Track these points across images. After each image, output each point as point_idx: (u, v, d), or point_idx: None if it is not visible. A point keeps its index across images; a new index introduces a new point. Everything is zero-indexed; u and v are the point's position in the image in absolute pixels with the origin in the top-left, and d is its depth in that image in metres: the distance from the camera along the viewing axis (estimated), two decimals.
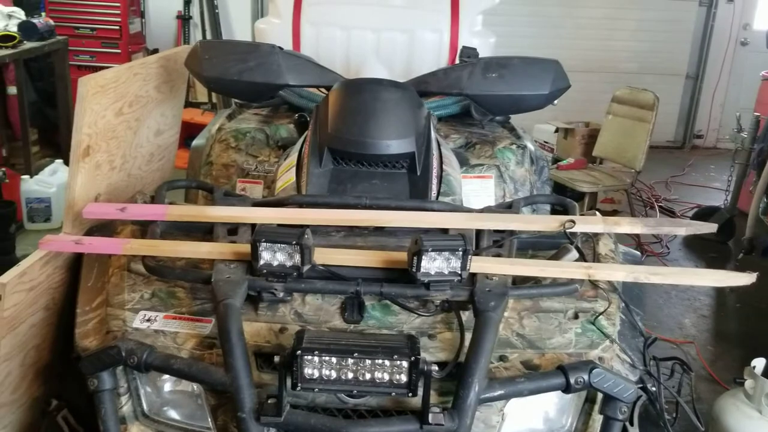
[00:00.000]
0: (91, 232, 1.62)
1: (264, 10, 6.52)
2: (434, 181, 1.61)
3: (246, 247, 1.30)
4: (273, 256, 1.22)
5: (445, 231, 1.45)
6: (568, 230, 1.43)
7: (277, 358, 1.10)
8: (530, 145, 2.35)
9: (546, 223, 1.46)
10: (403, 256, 1.29)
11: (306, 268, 1.22)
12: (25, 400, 1.51)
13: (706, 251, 4.43)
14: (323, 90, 1.84)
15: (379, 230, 1.47)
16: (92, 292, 1.43)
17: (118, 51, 5.43)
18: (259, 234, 1.20)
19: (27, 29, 4.28)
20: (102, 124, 1.59)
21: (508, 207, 1.62)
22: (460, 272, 1.21)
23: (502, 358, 1.24)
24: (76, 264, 1.54)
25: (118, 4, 5.31)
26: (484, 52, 2.77)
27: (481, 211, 1.55)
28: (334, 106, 1.63)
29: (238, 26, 6.39)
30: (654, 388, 1.32)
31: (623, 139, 4.23)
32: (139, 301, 1.34)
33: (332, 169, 1.61)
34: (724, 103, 6.85)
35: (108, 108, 1.59)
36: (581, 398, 1.28)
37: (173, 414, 1.29)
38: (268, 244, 1.21)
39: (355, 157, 1.60)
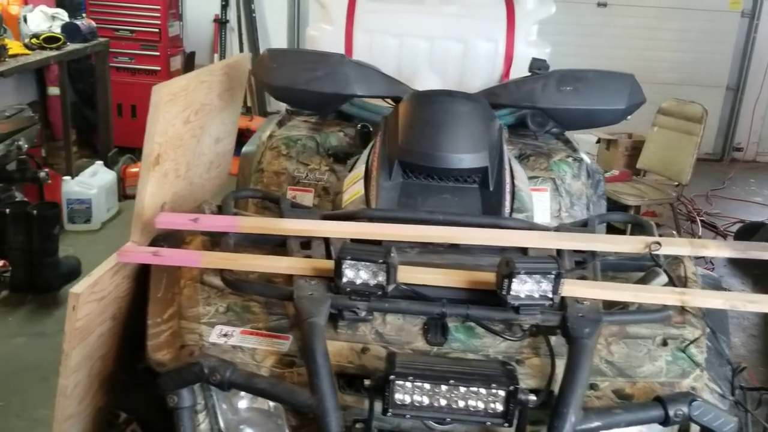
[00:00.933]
0: (157, 240, 1.60)
1: (300, 15, 6.53)
2: (507, 197, 1.57)
3: (326, 263, 1.27)
4: (356, 273, 1.19)
5: (523, 250, 1.41)
6: (653, 252, 1.38)
7: (367, 382, 1.06)
8: (586, 158, 2.30)
9: (630, 244, 1.41)
10: (487, 276, 1.25)
11: (391, 287, 1.18)
12: (90, 411, 1.49)
13: (750, 268, 4.33)
14: (388, 101, 1.80)
15: (454, 247, 1.43)
16: (162, 303, 1.41)
17: (157, 54, 5.45)
18: (344, 251, 1.17)
19: (70, 31, 4.31)
20: (171, 132, 1.57)
21: (583, 225, 1.58)
22: (551, 296, 1.17)
23: (592, 387, 1.19)
24: (142, 273, 1.52)
25: (158, 7, 5.33)
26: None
27: (559, 229, 1.51)
28: (405, 117, 1.60)
29: (274, 31, 6.41)
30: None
31: (669, 151, 4.15)
32: (215, 314, 1.31)
33: (402, 183, 1.58)
34: (765, 116, 6.73)
35: (177, 116, 1.57)
36: (673, 430, 1.23)
37: (250, 431, 1.26)
38: (353, 261, 1.17)
39: (426, 170, 1.56)
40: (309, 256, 1.36)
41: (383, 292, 1.18)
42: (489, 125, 1.61)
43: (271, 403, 1.23)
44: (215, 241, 1.48)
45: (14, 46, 3.69)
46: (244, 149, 2.64)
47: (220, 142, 2.03)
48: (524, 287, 1.17)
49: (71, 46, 4.20)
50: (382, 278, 1.18)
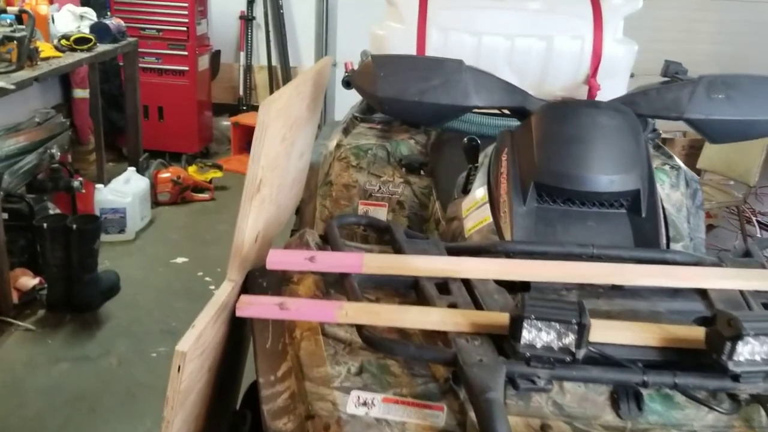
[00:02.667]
0: (253, 277, 1.39)
1: (329, 10, 6.29)
2: (662, 224, 1.35)
3: (490, 317, 1.05)
4: (537, 335, 0.97)
5: (701, 292, 1.19)
6: None
7: None
8: (683, 166, 2.08)
9: None
10: (687, 332, 1.04)
11: (582, 353, 0.96)
12: None
13: None
14: (504, 112, 1.59)
15: (617, 289, 1.21)
16: (273, 357, 1.20)
17: (185, 53, 5.24)
18: (529, 308, 0.95)
19: (100, 31, 4.09)
20: (273, 153, 1.35)
21: (745, 255, 1.36)
22: None
23: None
24: (236, 318, 1.32)
25: (185, 5, 5.11)
26: (629, 62, 2.51)
27: (723, 262, 1.29)
28: (541, 133, 1.38)
29: (302, 26, 6.19)
30: None
31: (733, 151, 3.92)
32: (347, 376, 1.10)
33: (536, 208, 1.36)
34: None
35: (278, 134, 1.36)
36: None
37: None
38: (537, 321, 0.95)
39: (568, 194, 1.34)
40: (453, 304, 1.14)
41: (573, 358, 0.96)
42: (638, 140, 1.38)
43: None
44: (329, 280, 1.27)
45: (45, 49, 3.48)
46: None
47: (302, 157, 1.81)
48: (745, 349, 0.95)
49: (102, 47, 3.98)
50: (570, 341, 0.96)
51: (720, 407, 1.01)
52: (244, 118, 5.71)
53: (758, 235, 4.56)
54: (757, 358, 0.95)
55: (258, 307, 1.06)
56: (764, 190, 5.56)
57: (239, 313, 1.07)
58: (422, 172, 2.29)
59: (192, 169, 4.84)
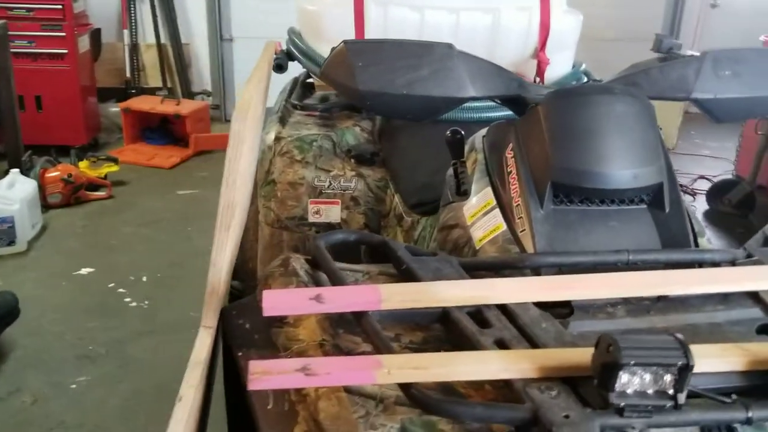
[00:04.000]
0: (231, 318, 1.16)
1: None
2: (687, 218, 1.24)
3: (563, 358, 0.89)
4: (630, 380, 0.81)
5: (753, 295, 1.08)
6: None
7: None
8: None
9: None
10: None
11: (683, 396, 0.81)
12: None
13: (731, 227, 4.28)
14: (497, 100, 1.41)
15: (663, 300, 1.08)
16: (281, 421, 0.98)
17: (62, 34, 4.70)
18: (626, 353, 0.78)
19: None
20: (245, 168, 1.11)
21: (765, 243, 1.27)
22: None
23: None
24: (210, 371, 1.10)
25: None
26: (576, 33, 2.40)
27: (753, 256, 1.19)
28: (555, 126, 1.21)
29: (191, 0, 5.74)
30: None
31: None
32: None
33: (554, 211, 1.20)
34: None
35: (253, 146, 1.12)
36: None
37: None
38: (636, 367, 0.79)
39: (588, 193, 1.20)
40: (501, 341, 0.96)
41: (675, 405, 0.81)
42: (655, 128, 1.25)
43: None
44: (337, 318, 1.06)
45: None
46: None
47: (253, 163, 1.56)
48: None
49: None
50: (668, 382, 0.81)
51: None
52: (135, 103, 5.24)
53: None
54: None
55: (279, 377, 0.84)
56: (679, 150, 5.76)
57: (253, 386, 0.84)
58: (374, 164, 2.09)
59: (84, 164, 4.36)
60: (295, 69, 2.43)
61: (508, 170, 1.26)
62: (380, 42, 1.28)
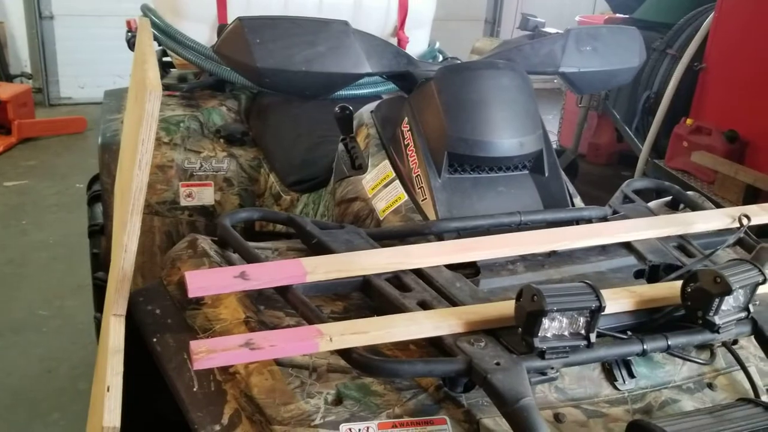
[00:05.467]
0: (139, 305, 1.12)
1: None
2: (564, 181, 1.37)
3: (487, 312, 0.96)
4: (550, 325, 0.90)
5: (627, 245, 1.23)
6: (746, 227, 1.29)
7: None
8: None
9: (719, 220, 1.30)
10: (654, 291, 1.05)
11: (594, 335, 0.92)
12: None
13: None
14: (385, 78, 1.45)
15: (553, 255, 1.20)
16: (209, 402, 0.97)
17: None
18: (548, 300, 0.87)
19: None
20: (151, 149, 1.07)
21: (625, 200, 1.44)
22: (746, 306, 1.01)
23: None
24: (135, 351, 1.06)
25: None
26: (431, 11, 2.51)
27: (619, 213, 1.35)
28: (448, 100, 1.28)
29: None
30: None
31: None
32: (327, 409, 0.93)
33: (449, 179, 1.28)
34: None
35: (156, 126, 1.07)
36: None
37: None
38: (557, 313, 0.88)
39: (480, 161, 1.28)
40: (423, 302, 1.02)
41: (588, 343, 0.92)
42: (534, 100, 1.36)
43: None
44: (256, 294, 1.06)
45: None
46: (104, 140, 2.04)
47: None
48: (726, 303, 0.99)
49: None
50: (581, 325, 0.91)
51: (695, 357, 1.06)
52: None
53: None
54: (731, 307, 1.00)
55: (224, 354, 0.83)
56: None
57: (199, 366, 0.82)
58: (246, 143, 2.06)
59: None
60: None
61: (405, 143, 1.31)
62: (276, 18, 1.27)
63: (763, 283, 0.99)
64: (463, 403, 0.94)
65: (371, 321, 0.94)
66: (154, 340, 1.06)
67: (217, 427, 0.95)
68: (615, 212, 1.35)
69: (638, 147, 3.55)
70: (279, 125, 2.02)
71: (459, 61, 1.55)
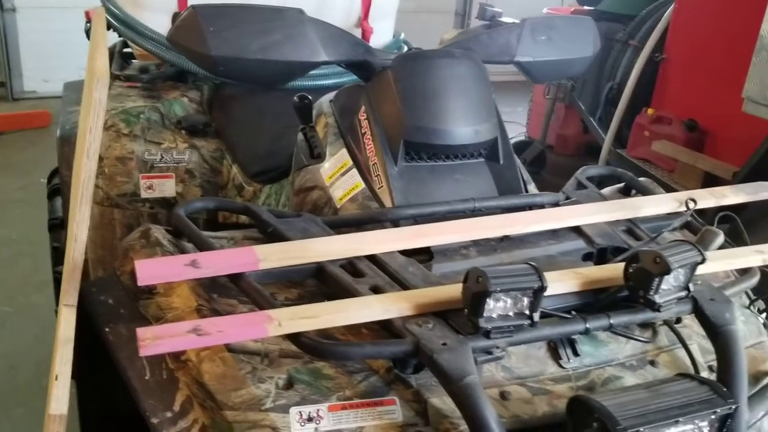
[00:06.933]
0: (91, 296, 1.12)
1: None
2: (518, 168, 1.40)
3: (435, 295, 0.98)
4: (495, 306, 0.93)
5: (576, 230, 1.26)
6: (692, 210, 1.33)
7: None
8: None
9: (666, 204, 1.34)
10: (600, 272, 1.08)
11: (537, 315, 0.95)
12: None
13: None
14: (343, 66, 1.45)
15: (506, 239, 1.22)
16: (161, 389, 0.99)
17: None
18: (492, 282, 0.89)
19: None
20: (99, 137, 1.07)
21: (578, 186, 1.47)
22: (686, 286, 1.05)
23: (711, 369, 1.12)
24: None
25: None
26: (394, 3, 2.52)
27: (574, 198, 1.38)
28: (405, 89, 1.30)
29: None
30: None
31: None
32: (278, 393, 0.94)
33: (406, 167, 1.30)
34: None
35: (104, 114, 1.08)
36: None
37: None
38: (501, 294, 0.91)
39: (436, 149, 1.30)
40: (376, 287, 1.04)
41: (531, 322, 0.94)
42: (489, 88, 1.38)
43: None
44: (209, 282, 1.07)
45: None
46: (63, 132, 2.02)
47: None
48: (666, 282, 1.02)
49: None
50: (525, 305, 0.94)
51: (638, 335, 1.10)
52: None
53: None
54: (671, 286, 1.03)
55: (171, 340, 0.84)
56: None
57: (145, 352, 0.83)
58: (208, 134, 2.05)
59: None
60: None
61: (362, 132, 1.33)
62: (231, 6, 1.28)
63: (702, 262, 1.02)
64: (412, 384, 0.97)
65: (321, 306, 0.95)
66: (107, 329, 1.06)
67: (169, 414, 0.96)
68: (568, 198, 1.38)
69: (602, 137, 3.60)
70: (242, 116, 2.02)
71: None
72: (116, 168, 1.97)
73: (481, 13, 1.71)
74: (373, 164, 1.29)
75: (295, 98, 1.47)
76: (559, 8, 4.96)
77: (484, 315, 0.92)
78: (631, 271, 1.02)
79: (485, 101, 1.35)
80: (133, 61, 2.44)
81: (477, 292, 0.91)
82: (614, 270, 1.08)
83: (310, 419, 0.92)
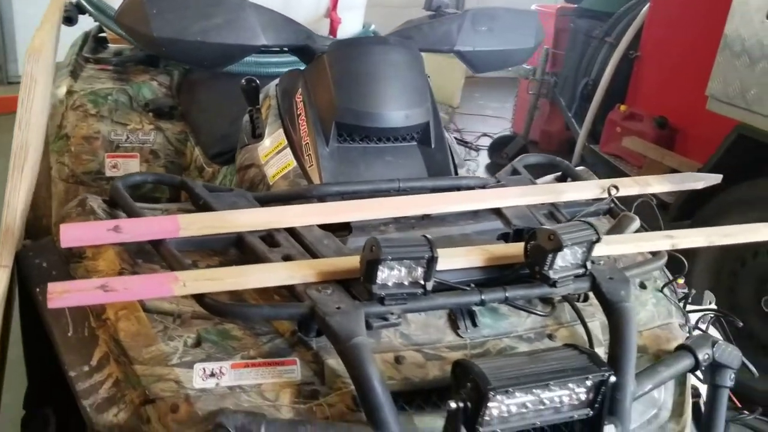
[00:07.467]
0: (27, 258, 1.18)
1: None
2: (449, 152, 1.45)
3: (337, 264, 1.04)
4: (389, 273, 0.99)
5: (497, 211, 1.32)
6: (614, 196, 1.38)
7: (453, 404, 0.90)
8: None
9: (589, 190, 1.40)
10: (505, 249, 1.14)
11: (431, 284, 1.01)
12: None
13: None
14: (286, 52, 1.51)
15: (427, 218, 1.28)
16: (81, 346, 1.05)
17: None
18: (385, 251, 0.95)
19: None
20: (38, 111, 1.14)
21: (513, 173, 1.53)
22: (585, 263, 1.10)
23: None
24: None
25: None
26: None
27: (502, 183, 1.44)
28: (338, 72, 1.36)
29: None
30: None
31: (438, 76, 4.28)
32: (185, 350, 1.01)
33: (338, 148, 1.36)
34: None
35: (46, 89, 1.14)
36: None
37: None
38: (393, 262, 0.97)
39: (368, 131, 1.36)
40: (288, 256, 1.10)
41: (424, 291, 1.00)
42: (423, 75, 1.44)
43: None
44: (131, 249, 1.13)
45: None
46: None
47: (45, 110, 1.55)
48: (562, 258, 1.08)
49: None
50: (419, 274, 1.00)
51: (538, 311, 1.15)
52: None
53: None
54: (568, 263, 1.09)
55: (78, 294, 0.90)
56: (464, 111, 6.23)
57: (53, 304, 0.90)
58: (173, 117, 2.12)
59: None
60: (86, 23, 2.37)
61: (298, 113, 1.39)
62: None
63: (597, 242, 1.08)
64: (312, 346, 1.03)
65: (227, 269, 1.02)
66: (37, 290, 1.12)
67: (86, 368, 1.03)
68: (500, 183, 1.44)
69: (578, 133, 3.65)
70: (205, 100, 2.08)
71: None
72: (82, 147, 2.03)
73: (428, 3, 1.77)
74: (306, 144, 1.35)
75: (243, 81, 1.53)
76: (548, 6, 5.00)
77: (378, 282, 0.98)
78: (529, 248, 1.08)
79: (417, 87, 1.40)
80: (110, 45, 2.51)
81: (370, 260, 0.97)
82: (519, 248, 1.13)
83: (212, 375, 0.99)
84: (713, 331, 1.48)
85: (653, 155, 3.04)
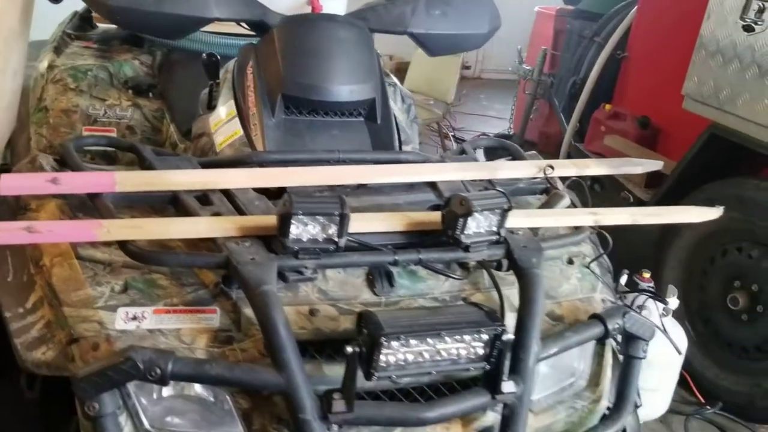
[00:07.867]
0: None
1: None
2: (395, 129, 1.51)
3: (258, 221, 1.10)
4: (303, 229, 1.05)
5: (432, 185, 1.37)
6: (548, 176, 1.43)
7: (349, 349, 0.96)
8: (399, 83, 2.31)
9: (526, 169, 1.45)
10: (425, 216, 1.20)
11: (343, 241, 1.06)
12: None
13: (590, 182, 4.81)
14: (243, 26, 1.58)
15: (362, 188, 1.34)
16: (18, 289, 1.12)
17: None
18: (296, 205, 1.01)
19: None
20: None
21: (461, 153, 1.58)
22: (498, 230, 1.16)
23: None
24: None
25: None
26: None
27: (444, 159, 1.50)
28: (286, 46, 1.42)
29: None
30: None
31: (434, 72, 4.35)
32: (111, 296, 1.07)
33: (284, 120, 1.42)
34: None
35: None
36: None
37: (180, 421, 1.07)
38: (304, 217, 1.03)
39: (314, 105, 1.42)
40: (217, 214, 1.16)
41: (336, 247, 1.06)
42: (372, 53, 1.50)
43: (208, 388, 1.06)
44: (73, 203, 1.20)
45: None
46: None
47: (16, 77, 1.62)
48: (473, 224, 1.13)
49: None
50: (333, 232, 1.06)
51: (454, 275, 1.21)
52: None
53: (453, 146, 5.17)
54: (482, 230, 1.14)
55: (3, 234, 0.97)
56: (458, 108, 6.29)
57: None
58: (151, 95, 2.19)
59: None
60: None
61: (247, 85, 1.45)
62: None
63: (509, 210, 1.14)
64: (232, 296, 1.09)
65: (152, 220, 1.08)
66: None
67: (21, 310, 1.09)
68: (441, 160, 1.49)
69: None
70: (182, 79, 2.15)
71: None
72: (60, 119, 2.11)
73: None
74: (252, 114, 1.41)
75: (204, 56, 1.60)
76: (549, 7, 5.04)
77: (293, 237, 1.04)
78: (444, 214, 1.14)
79: (364, 64, 1.46)
80: (98, 25, 2.59)
81: (284, 214, 1.03)
82: (439, 216, 1.19)
83: (134, 318, 1.05)
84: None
85: (633, 154, 3.07)
